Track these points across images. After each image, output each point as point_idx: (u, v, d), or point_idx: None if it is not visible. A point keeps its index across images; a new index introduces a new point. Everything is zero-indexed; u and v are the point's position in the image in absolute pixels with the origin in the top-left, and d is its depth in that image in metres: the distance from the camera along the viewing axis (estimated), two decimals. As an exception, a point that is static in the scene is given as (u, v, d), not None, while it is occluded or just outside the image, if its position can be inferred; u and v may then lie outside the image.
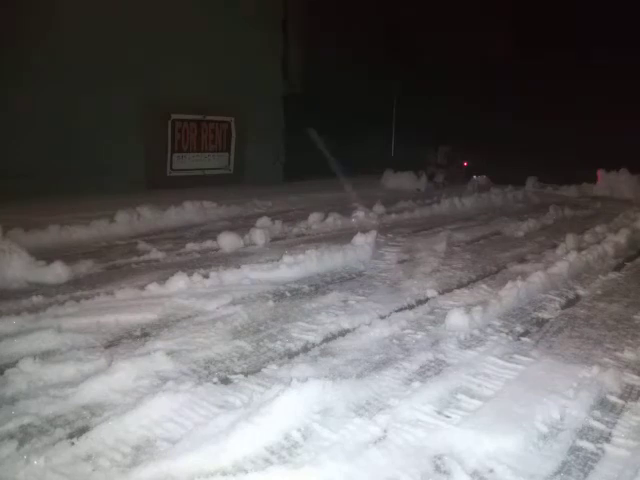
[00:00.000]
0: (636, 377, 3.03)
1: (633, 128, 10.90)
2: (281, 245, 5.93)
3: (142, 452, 2.18)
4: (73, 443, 2.19)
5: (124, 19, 8.47)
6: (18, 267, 4.38)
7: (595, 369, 2.98)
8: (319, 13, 11.78)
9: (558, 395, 2.70)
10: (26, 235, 5.41)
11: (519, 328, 3.72)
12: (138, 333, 3.39)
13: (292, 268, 4.79)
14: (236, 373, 2.90)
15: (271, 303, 4.01)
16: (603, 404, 2.72)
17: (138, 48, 8.50)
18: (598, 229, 6.97)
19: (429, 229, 7.18)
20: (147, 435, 2.29)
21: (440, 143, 12.35)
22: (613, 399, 2.77)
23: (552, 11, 12.73)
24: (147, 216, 6.74)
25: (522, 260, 5.66)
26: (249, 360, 3.08)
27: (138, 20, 8.61)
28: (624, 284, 4.95)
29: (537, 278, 4.60)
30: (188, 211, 7.27)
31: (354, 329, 3.55)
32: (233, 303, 3.95)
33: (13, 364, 2.80)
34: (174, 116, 9.88)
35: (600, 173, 11.88)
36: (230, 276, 4.51)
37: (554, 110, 12.08)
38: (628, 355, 3.31)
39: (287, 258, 4.95)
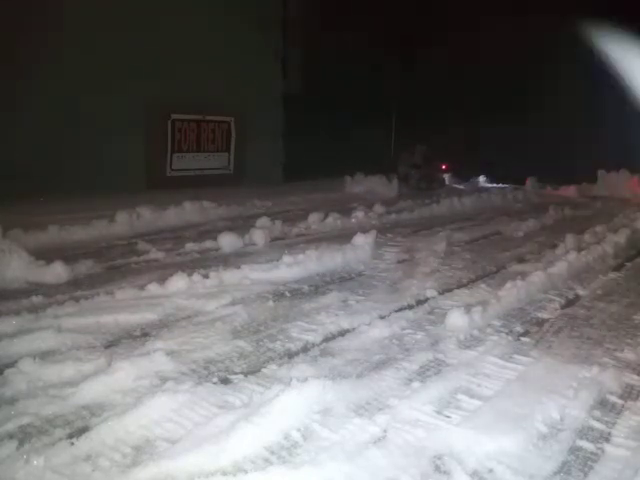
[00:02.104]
0: (636, 377, 3.03)
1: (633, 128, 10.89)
2: (281, 245, 5.93)
3: (142, 452, 2.18)
4: (73, 443, 2.19)
5: (124, 19, 8.47)
6: (18, 267, 4.38)
7: (595, 369, 2.98)
8: (319, 13, 11.78)
9: (558, 395, 2.70)
10: (26, 235, 5.40)
11: (519, 328, 3.72)
12: (138, 333, 3.39)
13: (292, 268, 4.79)
14: (236, 373, 2.90)
15: (271, 303, 4.01)
16: (603, 404, 2.72)
17: (138, 48, 8.50)
18: (598, 229, 6.96)
19: (429, 229, 7.18)
20: (147, 435, 2.29)
21: (417, 142, 11.81)
22: (613, 399, 2.77)
23: (553, 10, 12.72)
24: (147, 216, 6.74)
25: (522, 260, 5.65)
26: (249, 360, 3.08)
27: (138, 20, 8.61)
28: (624, 284, 4.95)
29: (537, 278, 4.60)
30: (188, 211, 7.26)
31: (354, 329, 3.55)
32: (233, 303, 3.95)
33: (12, 364, 2.79)
34: (174, 116, 9.87)
35: (600, 173, 11.88)
36: (230, 276, 4.51)
37: (554, 110, 12.07)
38: (628, 355, 3.31)
39: (287, 258, 4.95)
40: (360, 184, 10.68)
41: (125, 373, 2.72)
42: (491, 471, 2.15)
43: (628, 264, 5.67)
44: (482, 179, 13.10)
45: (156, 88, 8.95)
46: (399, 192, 10.43)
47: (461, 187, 12.37)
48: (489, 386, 2.83)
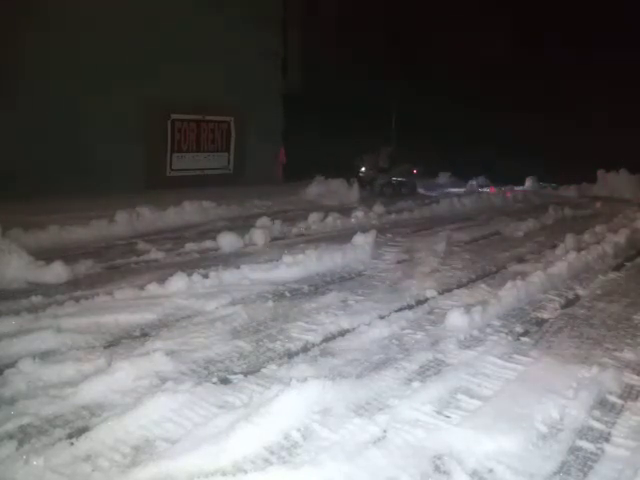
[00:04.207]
0: (635, 377, 3.03)
1: (633, 128, 10.91)
2: (281, 245, 5.93)
3: (141, 452, 2.18)
4: (72, 443, 2.19)
5: (124, 19, 8.48)
6: (18, 267, 4.38)
7: (594, 369, 2.98)
8: (319, 13, 11.79)
9: (557, 395, 2.70)
10: (26, 235, 5.40)
11: (519, 328, 3.72)
12: (137, 333, 3.39)
13: (292, 268, 4.79)
14: (235, 373, 2.90)
15: (271, 303, 4.01)
16: (603, 404, 2.72)
17: (138, 48, 8.51)
18: (598, 229, 6.98)
19: (429, 229, 7.18)
20: (146, 435, 2.29)
21: (383, 144, 10.95)
22: (613, 399, 2.77)
23: (552, 10, 12.73)
24: (147, 216, 6.74)
25: (522, 260, 5.66)
26: (248, 360, 3.07)
27: (138, 20, 8.62)
28: (624, 284, 4.95)
29: (537, 278, 4.60)
30: (188, 211, 7.26)
31: (354, 329, 3.55)
32: (233, 303, 3.95)
33: (12, 364, 2.79)
34: (174, 116, 9.88)
35: (600, 173, 11.89)
36: (230, 276, 4.51)
37: (554, 110, 12.08)
38: (627, 355, 3.31)
39: (287, 258, 4.95)
40: (319, 188, 9.67)
41: (125, 373, 2.72)
42: (491, 471, 2.15)
43: (628, 264, 5.68)
44: (479, 181, 12.66)
45: (156, 88, 8.96)
46: (360, 197, 9.50)
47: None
48: (489, 386, 2.83)
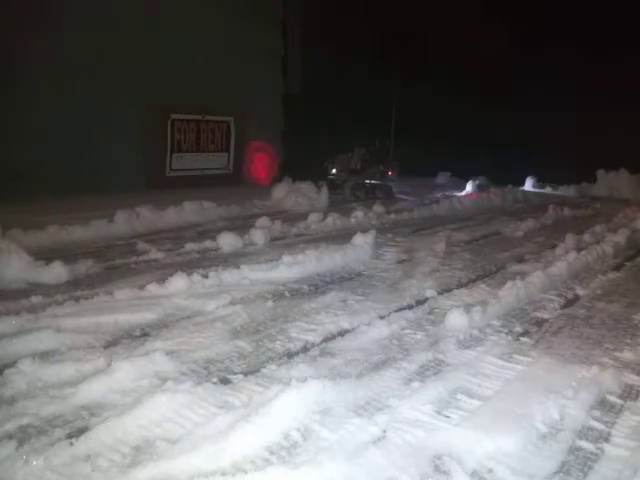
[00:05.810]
0: (635, 377, 3.03)
1: (633, 128, 10.90)
2: (280, 245, 5.93)
3: (141, 452, 2.18)
4: (72, 443, 2.19)
5: (124, 19, 8.48)
6: (17, 267, 4.38)
7: (594, 369, 2.98)
8: (319, 13, 11.79)
9: (557, 395, 2.70)
10: (26, 235, 5.40)
11: (518, 328, 3.72)
12: (137, 333, 3.39)
13: (291, 268, 4.79)
14: (235, 373, 2.90)
15: (270, 303, 4.01)
16: (602, 404, 2.72)
17: (138, 48, 8.50)
18: (597, 229, 6.98)
19: (428, 229, 7.19)
20: (146, 435, 2.29)
21: (357, 144, 10.26)
22: (612, 399, 2.77)
23: (552, 10, 12.73)
24: (146, 216, 6.74)
25: (521, 260, 5.66)
26: (248, 360, 3.07)
27: (138, 20, 8.61)
28: (623, 284, 4.95)
29: (536, 278, 4.60)
30: (187, 211, 7.27)
31: (353, 329, 3.55)
32: (232, 303, 3.95)
33: (12, 364, 2.79)
34: (173, 116, 9.88)
35: (600, 173, 11.89)
36: (229, 276, 4.51)
37: (554, 110, 12.07)
38: (627, 355, 3.31)
39: (286, 258, 4.95)
40: (286, 192, 8.85)
41: (125, 373, 2.72)
42: (491, 471, 2.15)
43: (628, 264, 5.68)
44: (480, 181, 12.55)
45: (156, 88, 8.96)
46: (329, 202, 8.83)
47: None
48: (489, 386, 2.83)
